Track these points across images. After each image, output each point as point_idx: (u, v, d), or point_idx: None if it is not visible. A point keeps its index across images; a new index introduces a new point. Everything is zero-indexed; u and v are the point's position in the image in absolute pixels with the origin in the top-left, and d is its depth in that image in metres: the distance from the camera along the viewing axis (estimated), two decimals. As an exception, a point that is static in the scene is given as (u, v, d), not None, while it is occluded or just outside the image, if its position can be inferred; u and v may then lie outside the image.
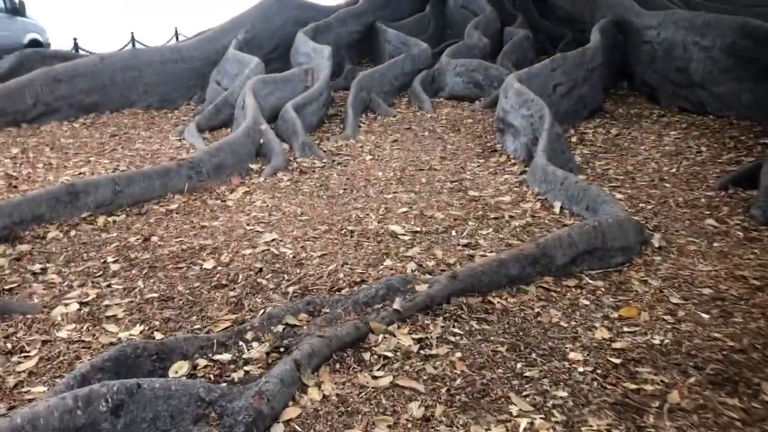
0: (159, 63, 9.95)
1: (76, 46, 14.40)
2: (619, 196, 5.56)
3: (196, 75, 10.16)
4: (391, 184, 6.08)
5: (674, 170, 6.30)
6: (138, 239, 4.83)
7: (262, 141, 6.88)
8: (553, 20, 13.80)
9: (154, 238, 4.85)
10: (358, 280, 4.00)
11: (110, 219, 5.25)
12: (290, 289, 3.95)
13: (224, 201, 5.70)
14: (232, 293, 3.94)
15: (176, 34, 17.47)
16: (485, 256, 4.33)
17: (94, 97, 9.38)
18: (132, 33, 16.14)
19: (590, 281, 4.08)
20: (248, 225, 5.06)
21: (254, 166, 6.56)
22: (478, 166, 6.65)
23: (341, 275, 4.10)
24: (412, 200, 5.57)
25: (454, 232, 4.81)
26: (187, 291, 4.01)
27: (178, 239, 4.83)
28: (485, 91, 9.60)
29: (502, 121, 7.20)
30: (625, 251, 4.35)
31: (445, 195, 5.70)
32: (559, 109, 7.80)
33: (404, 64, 10.11)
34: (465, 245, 4.55)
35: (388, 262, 4.28)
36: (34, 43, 14.81)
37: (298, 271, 4.23)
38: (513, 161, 6.69)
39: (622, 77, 10.71)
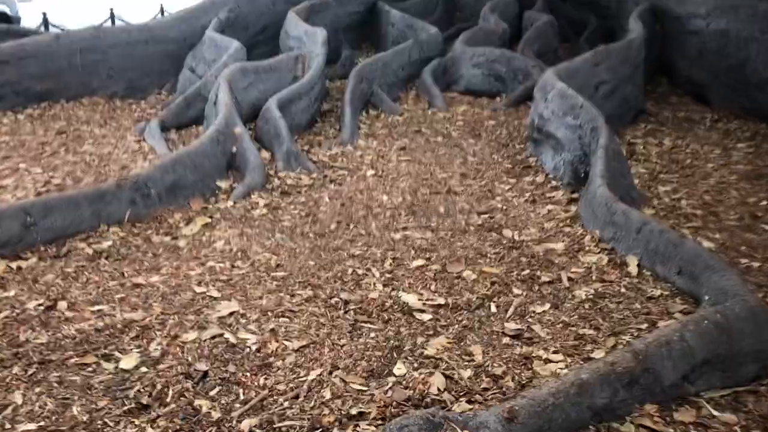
0: (126, 44, 8.30)
1: (45, 23, 12.65)
2: (707, 244, 4.01)
3: (171, 59, 8.52)
4: (400, 214, 4.54)
5: (766, 202, 4.76)
6: (38, 305, 3.29)
7: (235, 149, 5.31)
8: (575, 4, 12.17)
9: (63, 305, 3.31)
10: (353, 412, 2.46)
11: (13, 265, 3.71)
12: (244, 427, 2.40)
13: (175, 238, 4.15)
14: (150, 430, 2.39)
15: (161, 11, 15.77)
16: (548, 359, 2.79)
17: (48, 83, 7.74)
18: (111, 9, 14.42)
19: (715, 411, 2.55)
20: (200, 284, 3.51)
21: (223, 184, 5.00)
22: (510, 188, 5.10)
23: (327, 396, 2.56)
24: (429, 244, 4.02)
25: (494, 307, 3.27)
26: (85, 418, 2.47)
27: (95, 307, 3.29)
28: (507, 86, 8.01)
29: (538, 129, 5.63)
30: (759, 357, 2.81)
31: (473, 236, 4.15)
32: (602, 112, 6.22)
33: (411, 52, 8.50)
34: (514, 336, 3.01)
35: (399, 368, 2.75)
36: (1, 17, 13.09)
37: (261, 381, 2.68)
38: (554, 183, 5.14)
39: (660, 73, 9.09)
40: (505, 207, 4.69)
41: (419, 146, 6.23)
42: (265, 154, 5.71)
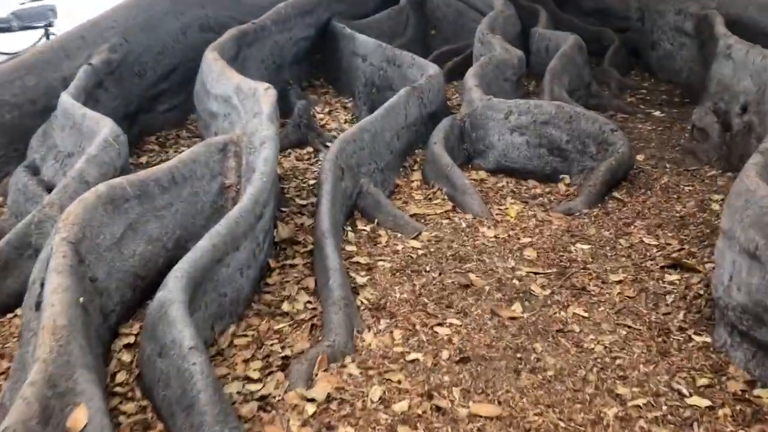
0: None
1: None
2: None
3: (9, 136, 4.87)
4: None
5: None
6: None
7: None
8: (580, 15, 9.00)
9: None
10: None
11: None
12: None
13: None
14: None
15: (46, 35, 11.79)
16: None
17: None
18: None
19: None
20: None
21: None
22: None
23: None
24: None
25: None
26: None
27: None
28: (572, 163, 4.71)
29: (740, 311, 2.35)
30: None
31: None
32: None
33: (408, 108, 5.08)
34: None
35: None
36: None
37: None
38: None
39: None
40: None
41: (483, 339, 2.87)
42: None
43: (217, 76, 4.65)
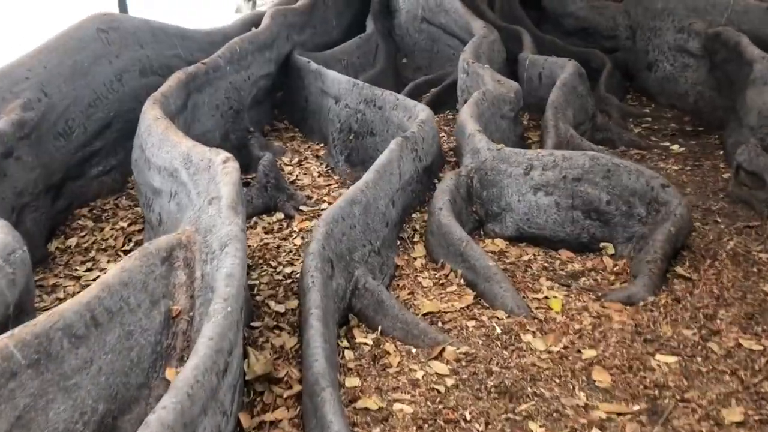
0: None
1: None
2: None
3: None
4: None
5: None
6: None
7: None
8: (562, 35, 8.08)
9: None
10: None
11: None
12: None
13: None
14: None
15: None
16: None
17: None
18: None
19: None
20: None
21: None
22: None
23: None
24: None
25: None
26: None
27: None
28: (617, 230, 3.67)
29: None
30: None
31: None
32: None
33: (402, 165, 4.00)
34: None
35: None
36: None
37: None
38: None
39: None
40: None
41: None
42: None
43: (159, 142, 3.49)
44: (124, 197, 4.81)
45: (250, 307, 3.07)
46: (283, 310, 3.09)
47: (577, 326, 2.98)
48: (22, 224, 3.94)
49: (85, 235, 4.31)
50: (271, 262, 3.69)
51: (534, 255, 3.71)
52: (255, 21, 6.56)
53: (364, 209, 3.46)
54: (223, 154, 3.08)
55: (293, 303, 3.15)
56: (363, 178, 3.62)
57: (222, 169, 2.95)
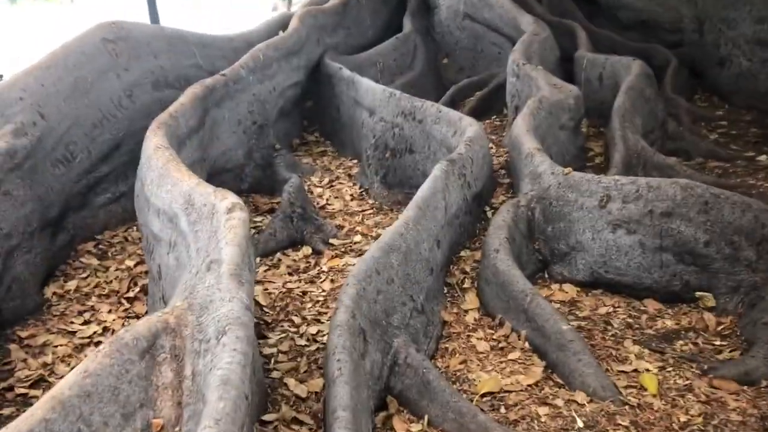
0: None
1: None
2: None
3: None
4: None
5: None
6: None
7: None
8: (618, 29, 7.25)
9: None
10: None
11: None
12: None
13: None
14: None
15: None
16: None
17: None
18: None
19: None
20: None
21: None
22: None
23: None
24: None
25: None
26: None
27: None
28: (716, 276, 2.92)
29: None
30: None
31: None
32: None
33: (449, 197, 3.31)
34: None
35: None
36: None
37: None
38: None
39: None
40: None
41: None
42: None
43: (159, 178, 2.88)
44: (134, 228, 4.23)
45: (264, 391, 2.42)
46: (304, 395, 2.44)
47: (682, 417, 2.27)
48: (11, 270, 3.38)
49: (87, 276, 3.74)
50: (293, 317, 3.04)
51: (614, 307, 3.00)
52: (282, 24, 5.93)
53: (404, 257, 2.79)
54: (229, 200, 2.44)
55: (317, 383, 2.49)
56: (402, 218, 2.94)
57: (226, 221, 2.30)
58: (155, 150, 3.06)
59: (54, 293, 3.59)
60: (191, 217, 2.55)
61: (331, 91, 5.55)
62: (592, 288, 3.16)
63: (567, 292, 3.14)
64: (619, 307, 3.00)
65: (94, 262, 3.88)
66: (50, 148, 3.86)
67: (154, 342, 1.95)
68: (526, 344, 2.76)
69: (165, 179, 2.85)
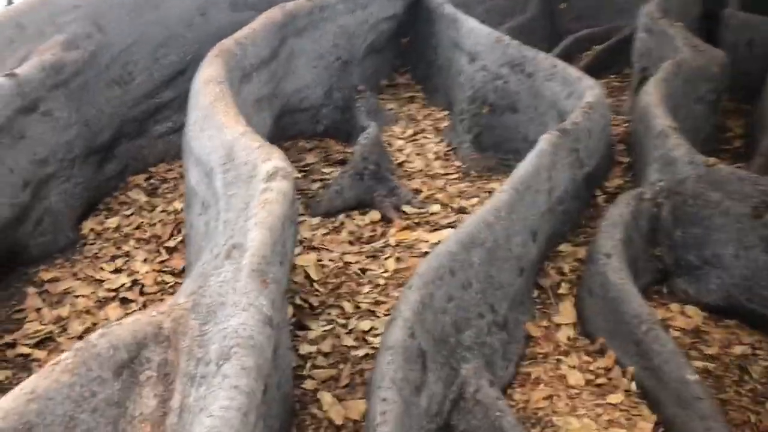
0: None
1: None
2: None
3: None
4: None
5: None
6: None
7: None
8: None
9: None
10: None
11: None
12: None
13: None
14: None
15: None
16: None
17: None
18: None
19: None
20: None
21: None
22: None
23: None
24: None
25: None
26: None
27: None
28: None
29: None
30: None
31: None
32: None
33: (553, 174, 2.61)
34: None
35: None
36: None
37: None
38: None
39: None
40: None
41: None
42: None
43: (203, 119, 2.33)
44: (192, 164, 3.75)
45: (289, 409, 1.89)
46: (339, 421, 1.90)
47: None
48: (43, 201, 2.97)
49: (131, 214, 3.31)
50: (345, 302, 2.49)
51: (753, 347, 2.28)
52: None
53: (489, 254, 2.16)
54: (273, 162, 1.87)
55: (358, 406, 1.94)
56: (492, 202, 2.30)
57: (262, 191, 1.74)
58: (205, 84, 2.51)
59: (92, 230, 3.19)
60: (228, 176, 2.00)
61: (430, 29, 4.82)
62: (724, 316, 2.44)
63: (691, 317, 2.44)
64: (760, 348, 2.28)
65: (142, 198, 3.45)
66: (105, 66, 3.41)
67: (138, 353, 1.43)
68: (633, 385, 2.11)
69: (209, 122, 2.30)
